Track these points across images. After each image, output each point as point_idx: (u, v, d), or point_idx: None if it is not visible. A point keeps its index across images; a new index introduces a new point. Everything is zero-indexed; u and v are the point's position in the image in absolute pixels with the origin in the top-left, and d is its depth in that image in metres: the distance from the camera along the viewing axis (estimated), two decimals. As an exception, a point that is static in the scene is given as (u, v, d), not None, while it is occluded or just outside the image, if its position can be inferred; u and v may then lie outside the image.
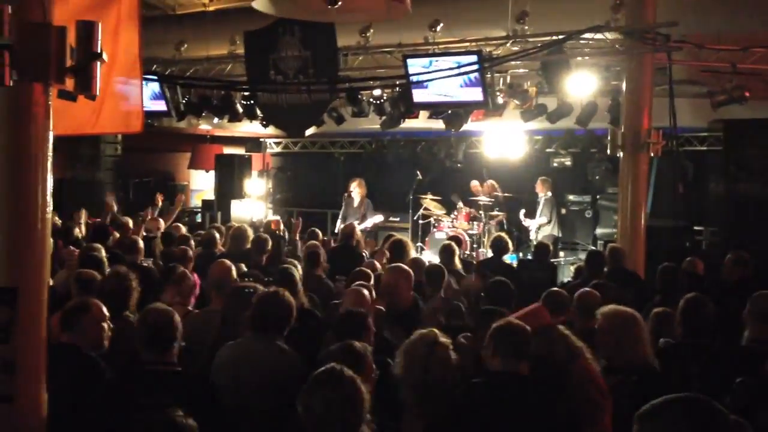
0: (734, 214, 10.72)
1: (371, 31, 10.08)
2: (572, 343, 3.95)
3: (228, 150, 17.63)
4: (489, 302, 5.47)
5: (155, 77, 11.28)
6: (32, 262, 3.78)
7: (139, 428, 3.07)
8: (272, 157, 18.50)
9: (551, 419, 3.64)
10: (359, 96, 10.85)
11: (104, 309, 4.48)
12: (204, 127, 16.03)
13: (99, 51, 3.70)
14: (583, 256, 11.34)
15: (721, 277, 7.38)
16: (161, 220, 10.55)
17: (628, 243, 8.73)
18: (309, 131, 12.45)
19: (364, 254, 9.28)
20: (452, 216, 13.55)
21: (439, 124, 11.32)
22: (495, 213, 13.43)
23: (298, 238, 9.45)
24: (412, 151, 15.36)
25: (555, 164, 14.63)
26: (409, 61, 9.70)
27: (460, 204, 13.58)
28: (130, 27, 4.98)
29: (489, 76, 9.71)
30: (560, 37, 8.72)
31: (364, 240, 11.03)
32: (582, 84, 9.60)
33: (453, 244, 8.42)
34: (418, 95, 10.11)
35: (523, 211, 13.43)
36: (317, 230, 10.31)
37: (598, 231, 13.76)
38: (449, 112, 10.60)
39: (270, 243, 8.18)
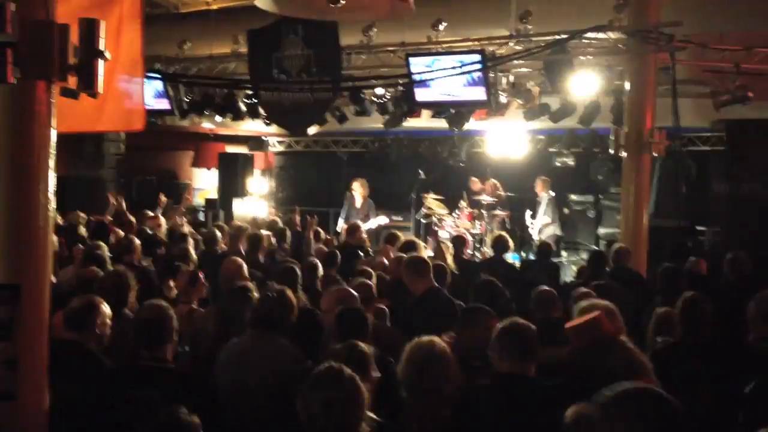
0: (737, 214, 10.72)
1: (374, 29, 10.08)
2: (636, 359, 3.77)
3: (231, 148, 17.63)
4: (477, 302, 5.44)
5: (158, 75, 11.29)
6: (35, 259, 3.80)
7: (143, 425, 3.08)
8: (275, 156, 18.50)
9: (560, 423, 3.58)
10: (362, 95, 10.85)
11: (107, 307, 4.50)
12: (207, 125, 16.03)
13: (102, 49, 3.71)
14: (585, 255, 11.35)
15: (723, 276, 7.39)
16: (162, 218, 10.55)
17: (630, 243, 8.72)
18: (311, 130, 12.45)
19: (369, 252, 9.30)
20: (455, 215, 13.55)
21: (442, 124, 11.31)
22: (497, 212, 13.41)
23: (312, 236, 9.43)
24: (414, 151, 15.35)
25: (558, 164, 14.61)
26: (412, 60, 9.70)
27: (463, 203, 13.58)
28: (132, 25, 5.00)
29: (492, 75, 9.71)
30: (563, 36, 8.71)
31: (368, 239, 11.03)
32: (585, 83, 9.59)
33: (449, 243, 8.42)
34: (421, 94, 10.11)
35: (529, 213, 13.40)
36: (319, 229, 10.31)
37: (601, 231, 13.75)
38: (452, 111, 10.59)
39: (265, 240, 8.20)
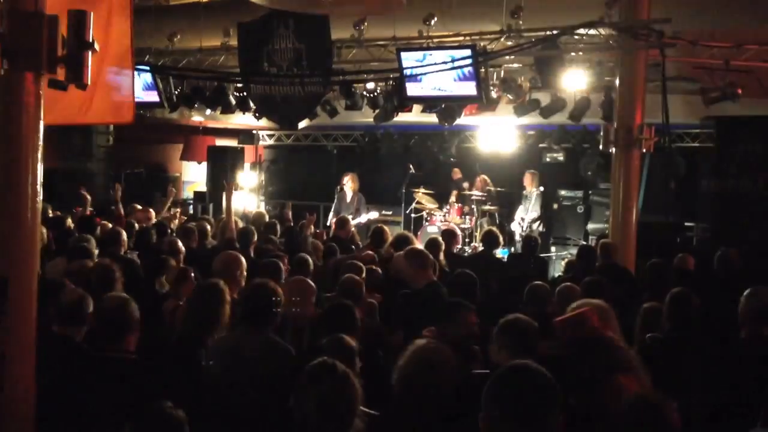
0: (725, 211, 10.76)
1: (365, 24, 10.06)
2: (622, 356, 3.73)
3: (220, 142, 17.59)
4: (453, 295, 5.44)
5: (148, 68, 11.26)
6: (22, 252, 3.78)
7: (129, 419, 3.08)
8: (265, 150, 18.46)
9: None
10: (353, 89, 10.84)
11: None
12: (196, 118, 15.98)
13: (90, 41, 3.70)
14: (574, 251, 11.37)
15: (711, 273, 7.42)
16: (152, 211, 10.51)
17: (619, 238, 8.75)
18: (302, 124, 12.43)
19: (360, 246, 9.29)
20: (444, 210, 13.57)
21: (432, 118, 11.32)
22: (487, 207, 13.44)
23: (309, 233, 9.39)
24: (405, 145, 15.34)
25: (547, 159, 14.64)
26: (403, 55, 9.69)
27: (453, 198, 13.59)
28: (122, 17, 4.97)
29: (483, 70, 9.70)
30: (554, 32, 8.72)
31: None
32: (575, 79, 9.61)
33: (439, 238, 8.41)
34: (412, 89, 10.10)
35: (522, 209, 13.37)
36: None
37: (590, 226, 13.79)
38: (443, 106, 10.60)
39: (256, 235, 8.16)
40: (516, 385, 2.42)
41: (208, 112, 13.17)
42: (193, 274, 5.95)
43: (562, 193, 14.39)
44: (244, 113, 12.52)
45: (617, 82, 9.10)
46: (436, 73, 9.41)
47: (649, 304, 5.19)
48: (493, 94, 10.21)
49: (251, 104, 11.94)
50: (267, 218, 10.63)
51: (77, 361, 4.06)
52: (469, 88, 9.62)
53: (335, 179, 13.94)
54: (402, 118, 11.91)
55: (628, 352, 3.87)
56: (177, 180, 17.60)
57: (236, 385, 4.27)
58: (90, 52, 3.68)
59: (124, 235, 7.62)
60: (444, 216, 13.44)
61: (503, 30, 9.37)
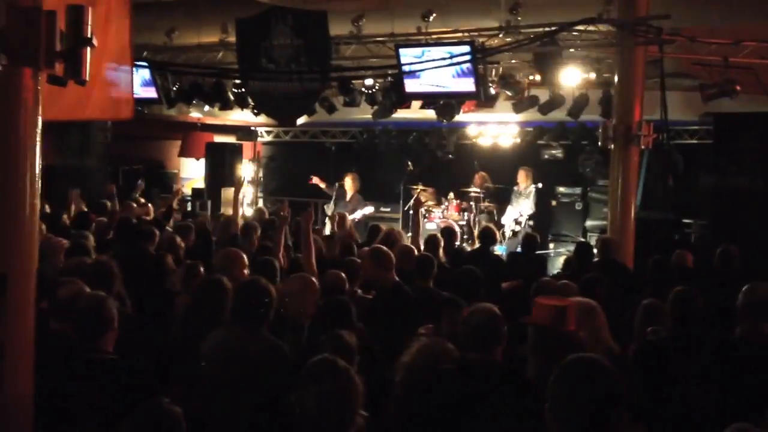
0: (724, 207, 10.77)
1: (364, 20, 10.05)
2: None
3: (219, 138, 17.55)
4: (455, 292, 5.42)
5: (146, 64, 11.24)
6: (20, 248, 3.76)
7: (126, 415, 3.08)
8: (263, 146, 18.44)
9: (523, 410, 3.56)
10: (351, 85, 10.83)
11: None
12: (195, 114, 15.97)
13: (89, 36, 3.68)
14: (572, 248, 11.36)
15: (710, 269, 7.42)
16: (150, 207, 10.49)
17: (617, 235, 8.75)
18: (300, 120, 12.44)
19: (358, 242, 9.28)
20: (443, 207, 13.56)
21: (431, 115, 11.31)
22: (486, 204, 13.43)
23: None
24: (403, 142, 15.34)
25: (546, 156, 14.65)
26: (402, 51, 9.68)
27: (451, 195, 13.59)
28: (120, 13, 4.95)
29: (481, 67, 9.70)
30: (553, 28, 8.72)
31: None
32: (574, 76, 9.61)
33: (439, 235, 8.41)
34: (410, 85, 10.10)
35: (519, 207, 13.32)
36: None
37: (588, 223, 13.80)
38: (441, 102, 10.59)
39: (258, 231, 8.14)
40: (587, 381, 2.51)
41: (207, 108, 13.17)
42: (202, 270, 5.95)
43: (561, 189, 14.40)
44: (242, 109, 12.51)
45: (616, 78, 9.10)
46: (434, 69, 9.40)
47: (649, 300, 5.19)
48: (492, 91, 10.22)
49: (249, 101, 11.93)
50: (267, 215, 10.64)
51: (64, 359, 4.04)
52: (468, 85, 9.62)
53: (334, 176, 13.93)
54: (400, 114, 11.91)
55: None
56: (175, 176, 17.57)
57: (229, 384, 4.25)
58: (89, 48, 3.67)
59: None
60: (442, 212, 13.44)
61: (502, 26, 9.36)
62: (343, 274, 5.77)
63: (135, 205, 10.72)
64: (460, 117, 11.54)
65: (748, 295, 4.62)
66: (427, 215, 13.58)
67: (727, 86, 9.39)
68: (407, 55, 9.67)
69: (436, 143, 14.84)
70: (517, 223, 12.90)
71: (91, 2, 3.88)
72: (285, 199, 14.56)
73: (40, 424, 3.73)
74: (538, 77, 10.26)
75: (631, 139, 8.78)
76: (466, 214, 13.33)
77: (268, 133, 17.92)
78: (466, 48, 9.30)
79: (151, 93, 11.81)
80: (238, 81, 11.80)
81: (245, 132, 17.72)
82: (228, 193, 14.69)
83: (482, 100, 10.17)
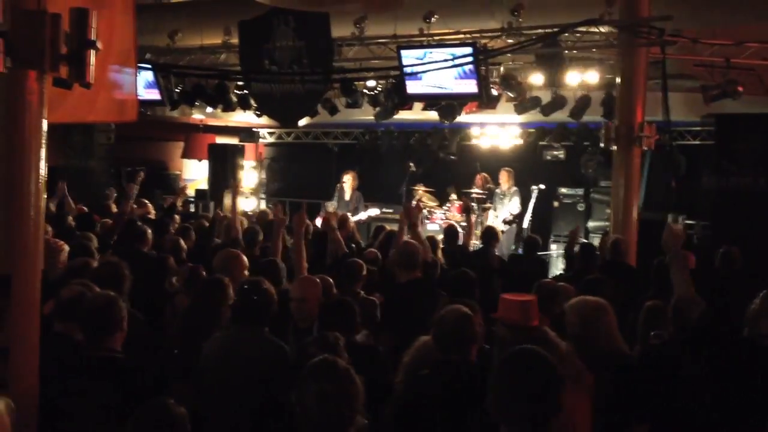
0: (726, 208, 10.75)
1: (366, 21, 10.07)
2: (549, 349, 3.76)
3: (221, 140, 17.60)
4: (450, 293, 5.43)
5: (149, 66, 11.26)
6: (26, 249, 3.78)
7: (131, 415, 3.09)
8: (265, 148, 18.47)
9: None
10: (353, 87, 10.84)
11: None
12: (197, 116, 16.00)
13: (93, 39, 3.70)
14: (575, 249, 11.34)
15: (713, 271, 7.41)
16: (150, 206, 10.49)
17: (620, 236, 8.75)
18: (302, 121, 12.45)
19: (360, 243, 9.30)
20: (445, 207, 13.56)
21: (433, 116, 11.31)
22: (488, 205, 13.42)
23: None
24: (405, 143, 15.34)
25: (548, 157, 14.63)
26: (404, 53, 9.70)
27: (453, 196, 13.59)
28: (124, 15, 4.97)
29: (483, 68, 9.71)
30: (555, 30, 8.73)
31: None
32: (576, 77, 9.62)
33: (436, 237, 8.42)
34: (412, 87, 10.11)
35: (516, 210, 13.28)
36: (309, 222, 10.24)
37: (591, 224, 13.79)
38: (443, 103, 10.60)
39: (261, 233, 8.13)
40: (525, 368, 2.71)
41: (209, 110, 13.17)
42: (204, 272, 5.96)
43: (563, 190, 14.38)
44: (244, 111, 12.53)
45: (618, 79, 9.11)
46: (436, 70, 9.41)
47: (652, 302, 5.19)
48: (494, 92, 10.21)
49: (252, 102, 11.95)
50: (270, 216, 10.63)
51: (73, 359, 4.05)
52: (470, 86, 9.63)
53: (336, 177, 13.95)
54: (402, 115, 11.91)
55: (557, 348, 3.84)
56: (178, 178, 17.60)
57: (231, 385, 4.26)
58: (93, 51, 3.69)
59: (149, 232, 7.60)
60: (444, 213, 13.44)
61: (504, 28, 9.37)
62: (330, 279, 5.75)
63: (136, 205, 10.71)
64: (462, 118, 11.54)
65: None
66: (429, 216, 13.58)
67: (729, 87, 9.40)
68: (409, 56, 9.68)
69: (439, 144, 14.83)
70: (506, 223, 12.78)
71: (95, 5, 3.90)
72: (285, 200, 14.59)
73: (46, 425, 3.75)
74: (540, 78, 10.26)
75: (634, 140, 8.79)
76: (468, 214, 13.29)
77: (271, 134, 17.95)
78: (468, 49, 9.31)
79: (154, 95, 11.84)
80: (240, 83, 11.81)
81: (247, 133, 17.75)
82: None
83: (484, 101, 10.16)
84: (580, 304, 4.27)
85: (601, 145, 9.38)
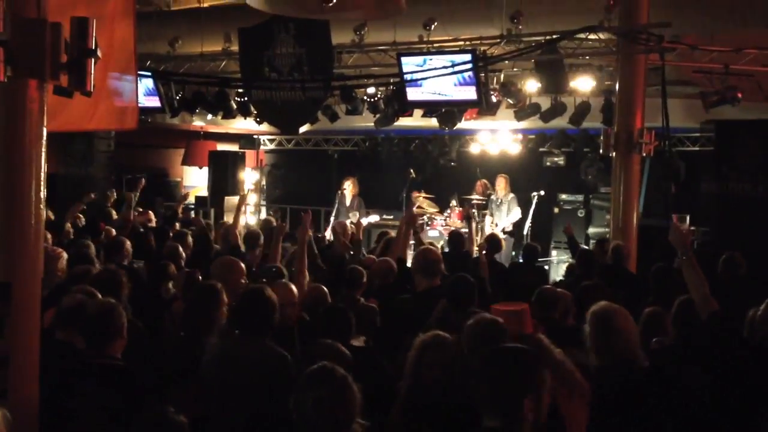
0: (726, 214, 10.77)
1: (366, 29, 10.09)
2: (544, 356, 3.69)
3: (222, 147, 17.62)
4: (450, 300, 5.43)
5: (149, 73, 11.28)
6: (26, 257, 3.78)
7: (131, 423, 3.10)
8: (266, 154, 18.49)
9: None
10: (353, 94, 10.86)
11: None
12: (198, 123, 16.02)
13: (94, 47, 3.71)
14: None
15: (713, 277, 7.40)
16: (151, 213, 10.52)
17: (620, 242, 8.76)
18: (303, 128, 12.46)
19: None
20: (445, 214, 13.57)
21: (433, 123, 11.33)
22: (488, 212, 13.43)
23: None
24: (405, 149, 15.37)
25: (548, 163, 14.67)
26: (404, 60, 9.71)
27: (454, 202, 13.60)
28: (124, 23, 4.99)
29: (483, 75, 9.73)
30: (554, 36, 8.74)
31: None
32: (575, 84, 9.63)
33: (435, 243, 8.44)
34: (412, 93, 10.13)
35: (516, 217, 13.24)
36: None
37: (591, 230, 13.80)
38: (443, 110, 10.62)
39: (261, 240, 8.13)
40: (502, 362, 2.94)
41: (210, 116, 13.21)
42: (200, 278, 5.96)
43: (563, 197, 14.40)
44: (245, 118, 12.54)
45: (617, 86, 9.12)
46: (436, 77, 9.43)
47: (652, 308, 5.19)
48: (494, 99, 10.23)
49: (252, 109, 11.97)
50: (273, 224, 10.64)
51: (73, 366, 4.06)
52: (470, 93, 9.64)
53: (336, 184, 13.97)
54: (402, 122, 11.94)
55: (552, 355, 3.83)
56: (178, 185, 17.62)
57: (231, 393, 4.25)
58: (93, 59, 3.70)
59: (128, 244, 7.58)
60: (445, 220, 13.45)
61: (503, 35, 9.39)
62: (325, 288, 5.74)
63: (136, 213, 10.72)
64: (462, 125, 11.56)
65: None
66: (429, 223, 13.59)
67: (729, 93, 9.41)
68: (409, 63, 9.70)
69: (439, 151, 14.86)
70: (506, 233, 12.72)
71: (95, 13, 3.92)
72: (285, 207, 14.63)
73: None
74: (539, 85, 10.28)
75: (633, 146, 8.80)
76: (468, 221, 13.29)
77: (271, 141, 17.97)
78: (468, 56, 9.32)
79: (154, 102, 11.85)
80: (241, 90, 11.83)
81: (248, 140, 17.78)
82: (232, 201, 14.74)
83: (484, 108, 10.18)
84: (601, 310, 4.24)
85: (601, 151, 9.38)
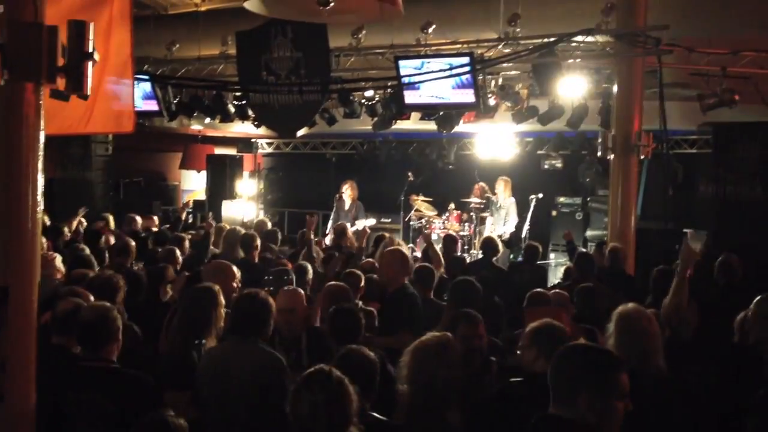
0: (723, 217, 10.78)
1: (363, 32, 10.10)
2: None
3: (219, 150, 17.62)
4: (454, 302, 5.42)
5: (147, 77, 11.28)
6: (23, 261, 3.78)
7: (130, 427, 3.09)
8: (264, 158, 18.49)
9: None
10: (351, 97, 10.86)
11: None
12: (195, 127, 16.02)
13: (90, 51, 3.71)
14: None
15: (711, 279, 7.41)
16: (155, 218, 10.52)
17: (618, 244, 8.76)
18: (300, 132, 12.45)
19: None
20: (443, 217, 13.57)
21: (430, 126, 11.33)
22: (486, 214, 13.43)
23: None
24: (403, 153, 15.37)
25: (546, 166, 14.65)
26: (401, 63, 9.71)
27: (452, 205, 13.60)
28: (121, 27, 4.98)
29: (481, 78, 9.73)
30: (551, 39, 8.75)
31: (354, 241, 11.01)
32: (573, 86, 9.64)
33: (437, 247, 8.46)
34: (410, 96, 10.13)
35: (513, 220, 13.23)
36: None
37: (588, 233, 13.79)
38: (441, 113, 10.62)
39: (258, 240, 8.09)
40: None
41: (207, 120, 13.19)
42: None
43: (561, 199, 14.40)
44: (243, 122, 12.53)
45: (615, 89, 9.14)
46: (434, 80, 9.43)
47: (651, 310, 5.18)
48: (491, 102, 10.23)
49: (250, 113, 11.96)
50: (269, 226, 10.64)
51: (69, 370, 4.05)
52: (467, 96, 9.64)
53: (334, 187, 13.96)
54: (400, 125, 11.93)
55: None
56: (176, 189, 17.62)
57: (227, 397, 4.24)
58: (90, 62, 3.70)
59: (132, 245, 7.62)
60: (443, 223, 13.45)
61: (501, 38, 9.40)
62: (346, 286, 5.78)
63: (140, 219, 10.73)
64: (460, 128, 11.54)
65: (763, 304, 4.54)
66: (427, 226, 13.59)
67: (726, 96, 9.41)
68: (407, 66, 9.70)
69: (437, 154, 14.85)
70: (503, 242, 12.66)
71: (92, 17, 3.92)
72: (283, 211, 14.63)
73: None
74: (536, 88, 10.29)
75: (631, 149, 8.82)
76: (466, 224, 13.33)
77: (269, 144, 17.97)
78: (466, 59, 9.32)
79: (152, 106, 11.84)
80: (238, 93, 11.83)
81: (246, 144, 17.78)
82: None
83: (482, 110, 10.17)
84: (626, 311, 4.22)
85: (599, 154, 9.39)
